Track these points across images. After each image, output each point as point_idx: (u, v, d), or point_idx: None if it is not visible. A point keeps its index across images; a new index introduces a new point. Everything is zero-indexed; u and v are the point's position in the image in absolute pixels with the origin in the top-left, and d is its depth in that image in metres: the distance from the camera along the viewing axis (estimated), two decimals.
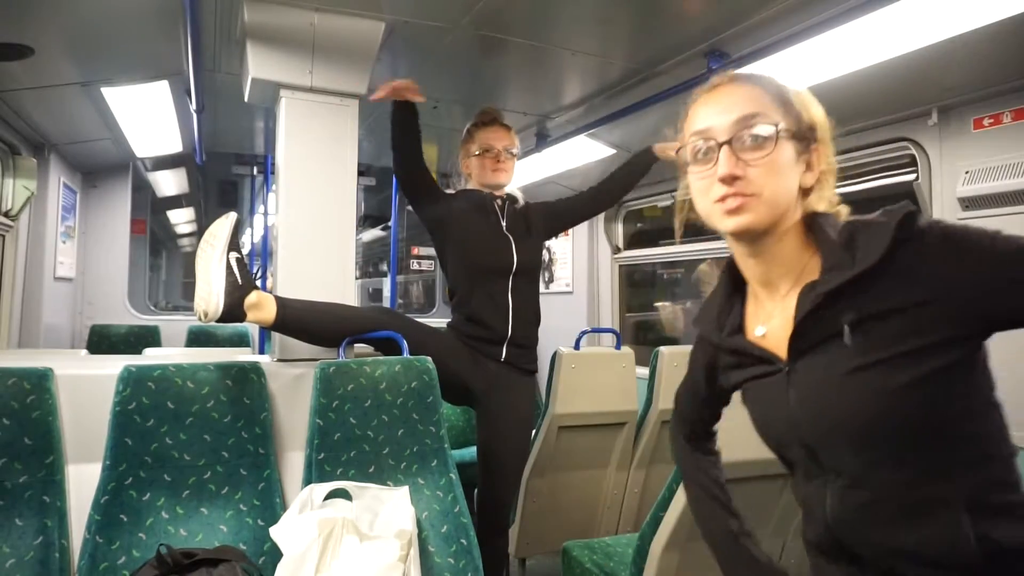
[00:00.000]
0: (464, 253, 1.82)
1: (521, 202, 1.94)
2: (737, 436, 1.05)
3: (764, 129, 0.75)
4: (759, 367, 0.83)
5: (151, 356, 1.99)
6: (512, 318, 1.80)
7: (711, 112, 0.79)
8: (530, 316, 1.86)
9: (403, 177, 1.83)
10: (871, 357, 0.70)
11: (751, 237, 0.79)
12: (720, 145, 0.76)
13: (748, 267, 0.84)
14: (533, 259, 1.87)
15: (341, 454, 1.46)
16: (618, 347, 2.59)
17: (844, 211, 0.81)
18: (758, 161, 0.75)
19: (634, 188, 2.06)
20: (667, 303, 3.66)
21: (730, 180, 0.75)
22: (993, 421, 0.72)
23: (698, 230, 0.94)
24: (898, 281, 0.69)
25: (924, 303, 0.68)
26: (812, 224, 0.79)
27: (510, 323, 1.79)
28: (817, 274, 0.76)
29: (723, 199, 0.76)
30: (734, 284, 0.89)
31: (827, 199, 0.81)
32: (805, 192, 0.79)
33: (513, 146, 1.88)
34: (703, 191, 0.79)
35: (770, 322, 0.82)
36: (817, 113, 0.81)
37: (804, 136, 0.78)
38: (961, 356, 0.69)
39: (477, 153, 1.86)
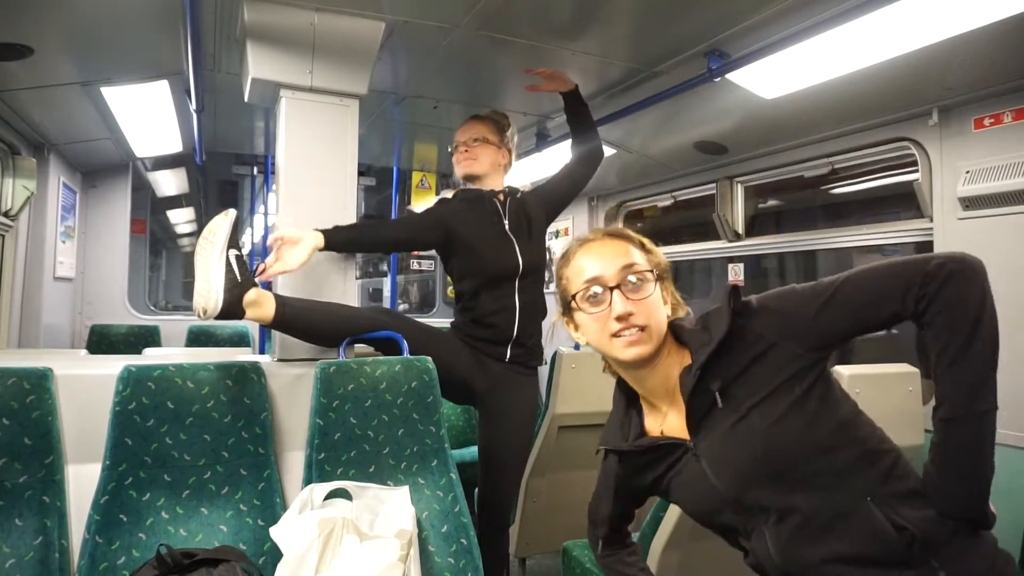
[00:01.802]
0: (470, 261, 1.81)
1: (521, 191, 1.93)
2: None
3: (642, 275, 0.95)
4: (670, 457, 0.99)
5: (151, 356, 1.99)
6: (519, 319, 1.80)
7: (597, 263, 0.97)
8: (536, 315, 1.86)
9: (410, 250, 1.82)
10: (742, 410, 0.88)
11: (643, 363, 0.95)
12: (611, 289, 0.94)
13: (641, 384, 1.01)
14: (537, 258, 1.87)
15: (341, 454, 1.46)
16: None
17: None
18: (642, 300, 0.94)
19: (590, 125, 2.01)
20: None
21: (625, 317, 0.93)
22: (864, 425, 0.89)
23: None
24: (744, 343, 0.89)
25: (768, 349, 0.87)
26: (675, 329, 0.99)
27: (516, 324, 1.79)
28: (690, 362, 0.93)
29: (619, 334, 0.93)
30: (628, 400, 1.06)
31: (683, 312, 1.02)
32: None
33: (479, 135, 1.87)
34: (599, 329, 0.96)
35: (667, 420, 1.00)
36: (663, 258, 1.03)
37: (661, 276, 0.99)
38: (814, 381, 0.86)
39: (451, 151, 1.92)
